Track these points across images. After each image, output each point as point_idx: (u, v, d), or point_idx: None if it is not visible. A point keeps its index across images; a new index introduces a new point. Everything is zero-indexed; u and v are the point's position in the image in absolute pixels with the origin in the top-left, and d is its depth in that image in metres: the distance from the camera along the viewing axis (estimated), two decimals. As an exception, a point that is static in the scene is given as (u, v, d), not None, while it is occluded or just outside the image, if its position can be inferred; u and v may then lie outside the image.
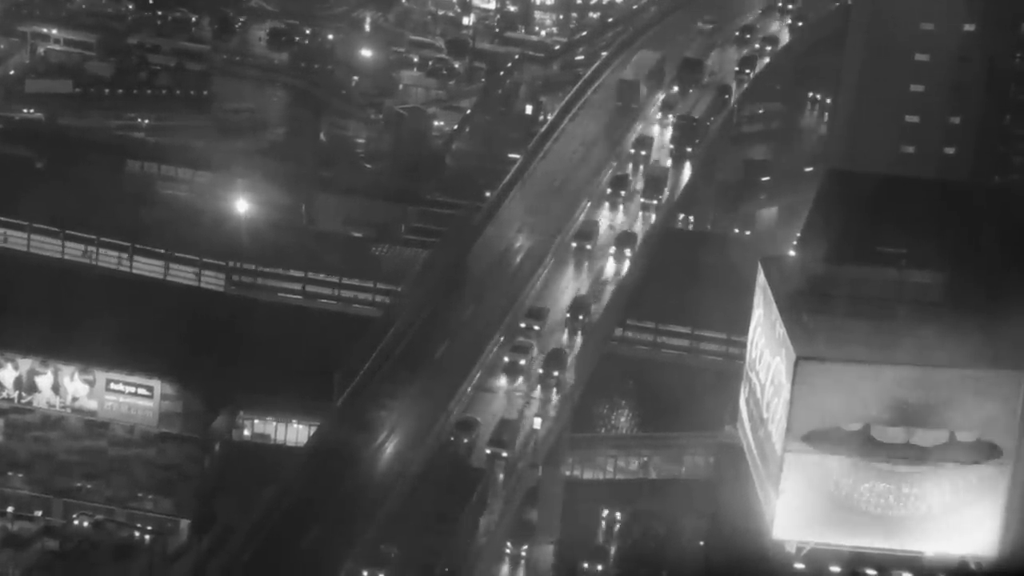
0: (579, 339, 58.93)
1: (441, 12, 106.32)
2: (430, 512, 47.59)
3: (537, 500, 57.07)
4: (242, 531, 49.67)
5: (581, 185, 74.04)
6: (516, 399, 55.62)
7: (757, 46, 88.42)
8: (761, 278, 43.64)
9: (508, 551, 53.79)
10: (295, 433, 60.52)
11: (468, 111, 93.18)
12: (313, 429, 57.51)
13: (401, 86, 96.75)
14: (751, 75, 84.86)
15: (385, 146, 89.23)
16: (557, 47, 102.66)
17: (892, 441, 39.61)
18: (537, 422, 54.96)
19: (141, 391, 60.49)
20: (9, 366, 61.04)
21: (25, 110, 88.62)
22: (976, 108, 71.35)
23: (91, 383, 60.89)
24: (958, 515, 40.02)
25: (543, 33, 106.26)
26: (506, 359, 57.25)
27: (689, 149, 74.37)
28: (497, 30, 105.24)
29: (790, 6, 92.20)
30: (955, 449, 39.61)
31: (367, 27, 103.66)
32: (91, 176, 76.19)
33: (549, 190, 73.98)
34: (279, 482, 51.68)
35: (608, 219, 69.14)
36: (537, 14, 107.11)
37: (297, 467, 52.83)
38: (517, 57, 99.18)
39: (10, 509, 57.43)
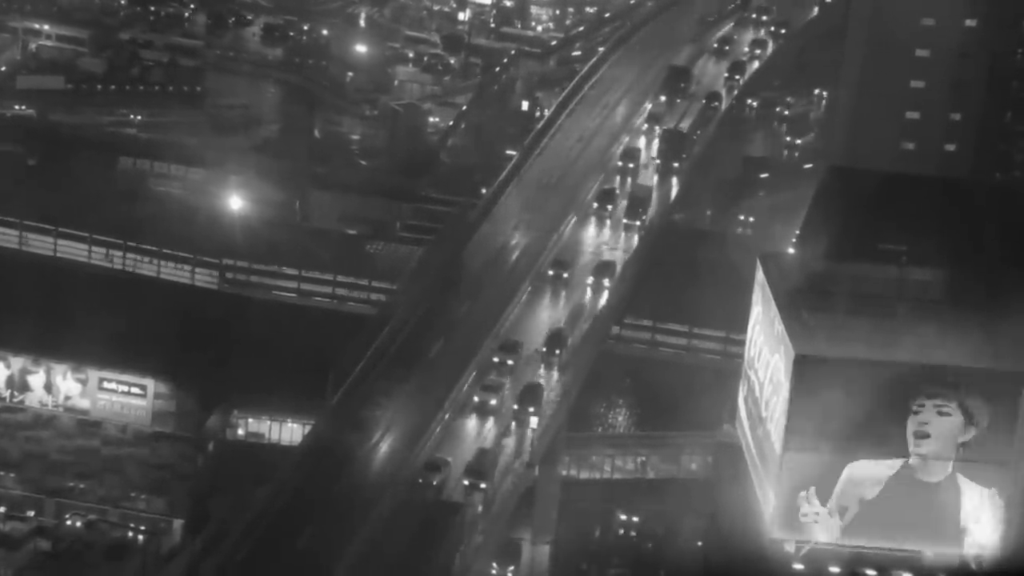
0: (555, 374, 55.84)
1: (437, 7, 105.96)
2: (403, 552, 45.78)
3: (534, 500, 56.69)
4: (236, 531, 49.23)
5: (579, 182, 73.66)
6: (502, 416, 53.96)
7: (747, 49, 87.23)
8: (760, 275, 43.36)
9: (494, 573, 53.10)
10: (289, 432, 60.26)
11: (464, 107, 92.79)
12: (307, 428, 57.20)
13: (396, 82, 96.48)
14: (741, 81, 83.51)
15: (380, 142, 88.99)
16: (554, 43, 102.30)
17: (892, 440, 39.24)
18: (534, 421, 54.52)
19: (134, 390, 60.46)
20: (1, 365, 60.70)
21: (16, 106, 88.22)
22: (977, 105, 70.99)
23: (84, 382, 60.80)
24: (958, 514, 39.68)
25: (539, 28, 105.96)
26: (476, 399, 53.98)
27: (676, 164, 72.18)
28: (493, 25, 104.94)
29: (764, 17, 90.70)
30: (955, 448, 39.25)
31: (362, 22, 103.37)
32: (83, 173, 75.95)
33: (546, 187, 73.56)
34: (273, 481, 51.24)
35: (591, 239, 65.92)
36: (533, 9, 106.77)
37: (291, 466, 52.38)
38: (513, 53, 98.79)
39: (2, 509, 57.03)
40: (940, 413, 38.78)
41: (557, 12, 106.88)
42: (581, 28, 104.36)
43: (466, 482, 49.70)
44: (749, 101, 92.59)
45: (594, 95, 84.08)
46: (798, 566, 39.99)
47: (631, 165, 72.43)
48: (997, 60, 71.44)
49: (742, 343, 45.54)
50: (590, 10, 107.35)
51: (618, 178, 71.71)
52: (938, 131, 71.35)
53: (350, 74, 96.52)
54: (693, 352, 66.05)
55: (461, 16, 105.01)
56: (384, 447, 53.12)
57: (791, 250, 51.19)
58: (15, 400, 60.64)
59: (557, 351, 56.88)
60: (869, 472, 39.07)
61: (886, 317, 40.92)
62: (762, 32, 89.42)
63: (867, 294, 41.32)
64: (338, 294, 68.27)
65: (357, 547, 46.91)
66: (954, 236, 43.82)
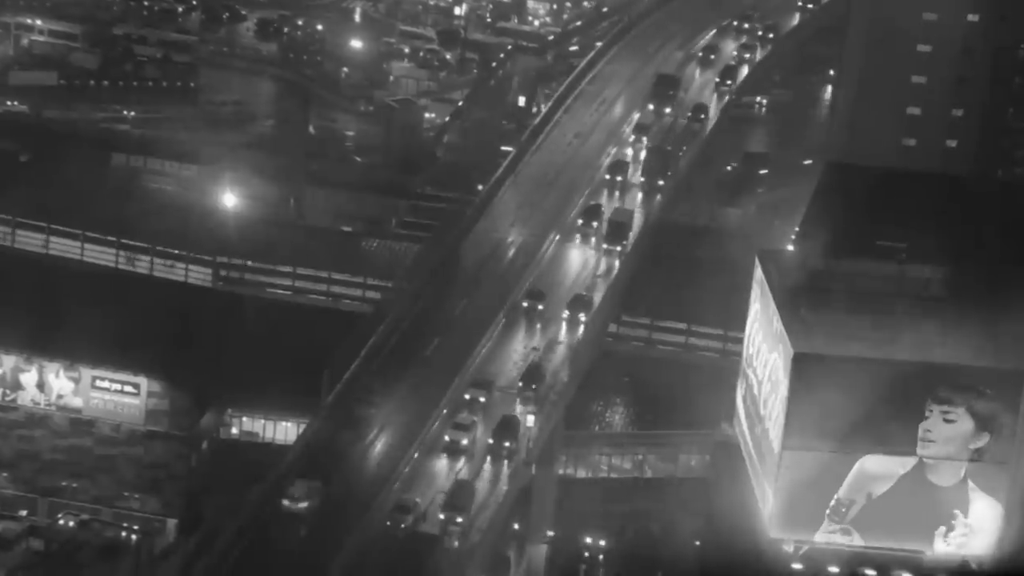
0: (532, 409, 53.25)
1: (432, 2, 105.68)
2: None
3: (530, 499, 56.31)
4: (230, 530, 48.83)
5: (575, 178, 73.05)
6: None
7: (735, 53, 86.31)
8: (759, 272, 42.94)
9: None
10: (284, 431, 59.90)
11: (460, 103, 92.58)
12: (302, 427, 56.75)
13: (392, 77, 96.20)
14: (733, 86, 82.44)
15: (375, 139, 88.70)
16: (551, 37, 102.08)
17: (892, 438, 38.88)
18: (531, 419, 54.07)
19: (127, 388, 60.06)
20: (-8, 363, 60.25)
21: (9, 102, 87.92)
22: (979, 101, 70.55)
23: (76, 380, 60.40)
24: (958, 514, 39.36)
25: (536, 23, 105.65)
26: (447, 438, 51.59)
27: (661, 182, 70.56)
28: (489, 20, 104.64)
29: (746, 25, 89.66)
30: (955, 446, 38.93)
31: (357, 17, 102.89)
32: (76, 170, 75.50)
33: (543, 183, 73.11)
34: (267, 480, 50.76)
35: (573, 263, 63.25)
36: (530, 3, 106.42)
37: (286, 465, 51.90)
38: (510, 48, 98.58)
39: (-6, 509, 56.77)
40: (946, 420, 38.35)
41: (554, 7, 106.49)
42: (579, 23, 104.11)
43: (442, 516, 47.98)
44: (758, 98, 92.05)
45: (592, 90, 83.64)
46: (797, 566, 39.63)
47: (619, 178, 70.79)
48: (999, 56, 71.00)
49: (740, 341, 45.13)
50: (587, 4, 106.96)
51: (605, 192, 69.97)
52: (939, 127, 70.91)
53: (345, 70, 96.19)
54: (691, 350, 65.47)
55: (457, 11, 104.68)
56: (379, 446, 52.74)
57: (790, 247, 50.90)
58: (7, 399, 60.21)
59: (534, 385, 54.40)
60: (882, 468, 38.62)
61: (886, 314, 40.48)
62: (744, 39, 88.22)
63: (867, 291, 40.88)
64: (333, 292, 67.89)
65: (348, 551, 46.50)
66: (954, 233, 43.45)
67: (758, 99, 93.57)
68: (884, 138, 69.73)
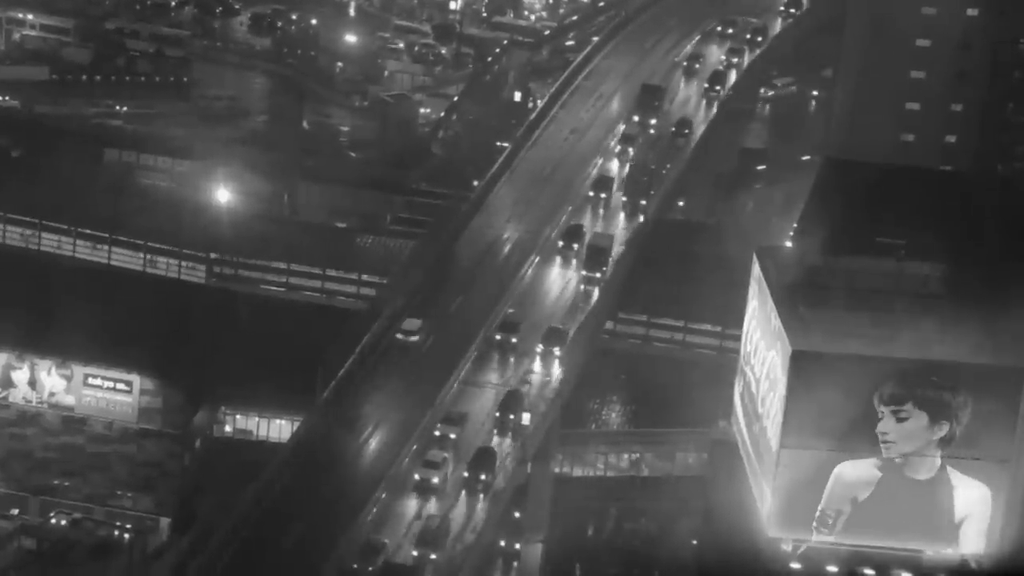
0: (509, 441, 51.01)
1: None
2: None
3: (526, 498, 56.02)
4: (223, 529, 48.53)
5: (572, 174, 72.66)
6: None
7: (724, 57, 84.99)
8: (756, 269, 42.66)
9: None
10: (278, 429, 59.62)
11: (455, 98, 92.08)
12: (296, 424, 56.44)
13: (386, 72, 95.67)
14: (721, 92, 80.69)
15: (370, 134, 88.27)
16: (547, 32, 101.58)
17: (890, 436, 38.62)
18: (527, 417, 53.67)
19: (120, 386, 59.89)
20: (-17, 361, 59.90)
21: (0, 97, 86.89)
22: (978, 96, 70.39)
23: (68, 378, 60.20)
24: (957, 513, 39.12)
25: (532, 18, 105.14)
26: (416, 476, 49.30)
27: (644, 202, 68.20)
28: (485, 15, 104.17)
29: (730, 30, 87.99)
30: (954, 445, 38.69)
31: (351, 12, 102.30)
32: (68, 165, 75.04)
33: (539, 179, 72.76)
34: (261, 479, 50.48)
35: (552, 289, 60.38)
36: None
37: (280, 463, 51.61)
38: (506, 42, 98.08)
39: (-15, 507, 56.33)
40: (899, 419, 38.09)
41: (550, 1, 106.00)
42: (575, 17, 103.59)
43: (415, 552, 46.03)
44: (763, 90, 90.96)
45: (588, 86, 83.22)
46: (795, 565, 39.39)
47: (603, 195, 68.49)
48: (998, 50, 70.84)
49: (738, 338, 44.84)
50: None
51: (589, 209, 67.54)
52: (938, 122, 70.70)
53: (339, 64, 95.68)
54: (688, 348, 65.16)
55: (452, 5, 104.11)
56: (374, 444, 52.42)
57: (788, 243, 50.70)
58: (-1, 396, 59.87)
59: (512, 416, 52.34)
60: (858, 473, 38.48)
61: (884, 312, 40.25)
62: (729, 45, 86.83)
63: (865, 288, 40.65)
64: (327, 288, 67.60)
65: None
66: (954, 229, 43.32)
67: (762, 91, 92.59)
68: (883, 134, 69.53)
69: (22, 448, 59.12)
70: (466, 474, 49.88)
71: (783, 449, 38.78)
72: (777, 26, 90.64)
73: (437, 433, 51.75)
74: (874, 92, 70.92)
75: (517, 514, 55.18)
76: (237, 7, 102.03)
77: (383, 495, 49.29)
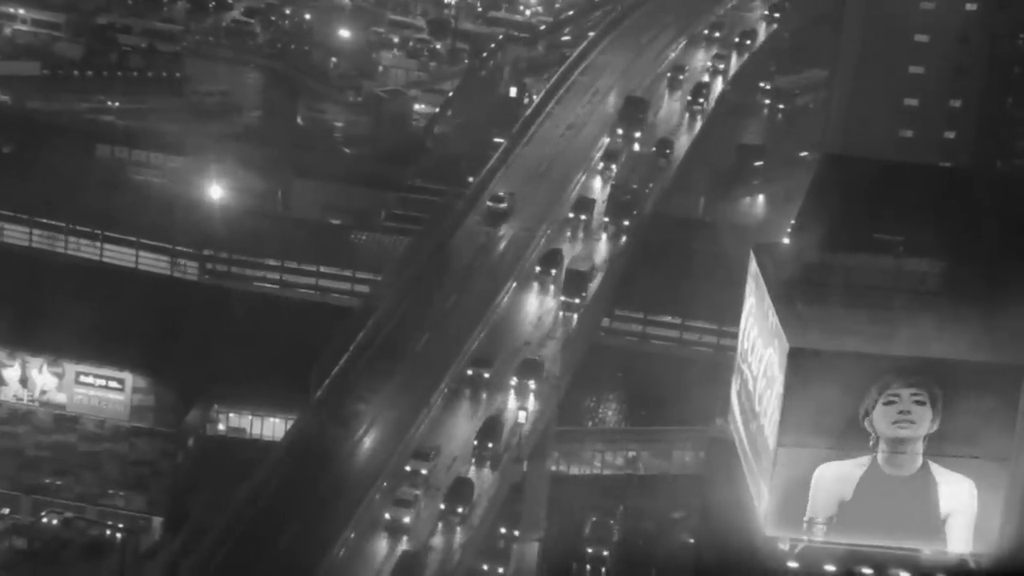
0: (487, 471, 49.39)
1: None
2: None
3: (522, 496, 55.73)
4: (216, 528, 48.19)
5: (568, 171, 72.14)
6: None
7: (710, 64, 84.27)
8: (753, 266, 42.31)
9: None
10: (271, 427, 59.30)
11: (450, 94, 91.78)
12: (290, 423, 56.19)
13: (381, 68, 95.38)
14: (704, 105, 79.70)
15: (364, 130, 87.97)
16: (542, 27, 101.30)
17: (889, 435, 38.37)
18: (522, 415, 53.28)
19: (112, 384, 59.33)
20: (-26, 359, 59.38)
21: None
22: (977, 91, 70.08)
23: (60, 376, 59.64)
24: (956, 512, 38.89)
25: (528, 13, 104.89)
26: (387, 516, 47.40)
27: (626, 223, 66.50)
28: (480, 10, 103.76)
29: (717, 33, 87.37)
30: (953, 443, 38.43)
31: (346, 4, 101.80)
32: (60, 161, 74.55)
33: (535, 175, 72.34)
34: (255, 478, 50.12)
35: (528, 317, 58.43)
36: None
37: (273, 462, 51.27)
38: (501, 37, 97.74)
39: (-23, 507, 55.94)
40: (917, 402, 37.71)
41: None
42: (571, 12, 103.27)
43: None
44: (761, 84, 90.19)
45: (584, 81, 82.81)
46: (792, 564, 39.10)
47: (583, 217, 66.39)
48: (998, 45, 70.57)
49: (735, 336, 44.50)
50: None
51: (568, 232, 65.36)
52: (937, 118, 70.36)
53: (333, 60, 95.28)
54: (685, 345, 64.87)
55: (448, 0, 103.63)
56: (368, 442, 52.07)
57: (786, 240, 50.42)
58: (-11, 395, 59.34)
59: (491, 444, 50.33)
60: (838, 473, 38.11)
61: (883, 309, 39.91)
62: (716, 49, 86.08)
63: (863, 285, 40.30)
64: (321, 286, 67.28)
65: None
66: (953, 226, 43.03)
67: (761, 84, 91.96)
68: (881, 130, 69.19)
69: (13, 447, 58.66)
70: (442, 506, 47.99)
71: (780, 447, 38.44)
72: (762, 32, 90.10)
73: (408, 468, 49.29)
74: (872, 87, 70.58)
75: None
76: (230, 2, 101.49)
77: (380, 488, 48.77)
